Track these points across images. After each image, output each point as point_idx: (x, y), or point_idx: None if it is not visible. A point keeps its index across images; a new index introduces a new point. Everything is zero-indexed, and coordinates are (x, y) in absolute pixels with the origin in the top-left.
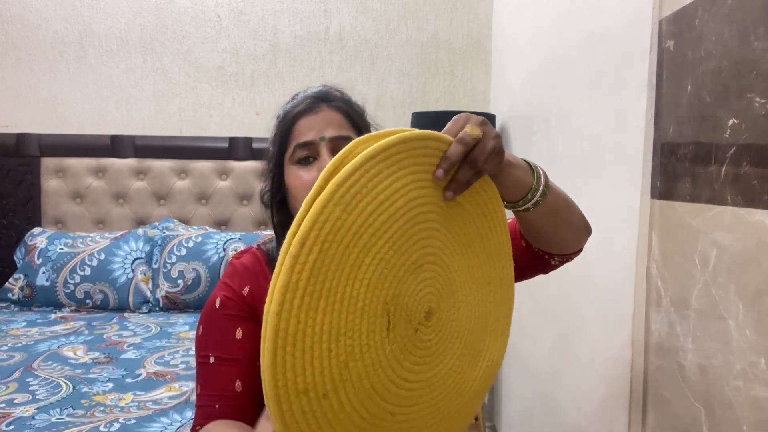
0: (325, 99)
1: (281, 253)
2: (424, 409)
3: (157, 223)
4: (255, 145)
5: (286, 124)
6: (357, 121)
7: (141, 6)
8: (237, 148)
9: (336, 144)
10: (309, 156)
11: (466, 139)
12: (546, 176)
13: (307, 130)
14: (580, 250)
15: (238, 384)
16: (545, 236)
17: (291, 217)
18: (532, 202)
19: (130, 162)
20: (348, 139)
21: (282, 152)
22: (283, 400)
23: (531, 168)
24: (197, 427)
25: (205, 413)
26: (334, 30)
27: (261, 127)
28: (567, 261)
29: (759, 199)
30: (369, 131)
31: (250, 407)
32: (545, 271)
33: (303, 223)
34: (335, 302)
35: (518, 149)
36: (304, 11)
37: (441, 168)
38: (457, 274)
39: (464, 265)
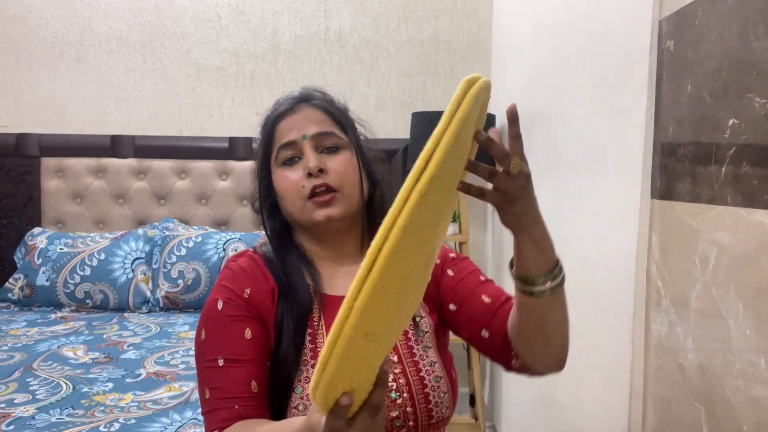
0: (305, 99)
1: (406, 188)
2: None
3: (157, 223)
4: (255, 145)
5: (269, 128)
6: (338, 117)
7: (141, 6)
8: (237, 148)
9: (319, 141)
10: (294, 156)
11: (505, 162)
12: (564, 280)
13: (288, 130)
14: (541, 374)
15: (254, 384)
16: (523, 332)
17: (284, 222)
18: (546, 286)
19: (130, 162)
20: (331, 135)
21: (268, 156)
22: (353, 340)
23: (557, 262)
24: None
25: (223, 416)
26: (334, 30)
27: None
28: (523, 373)
29: (759, 199)
30: (354, 127)
31: (267, 407)
32: (504, 365)
33: (433, 160)
34: (419, 246)
35: None
36: (304, 11)
37: (489, 134)
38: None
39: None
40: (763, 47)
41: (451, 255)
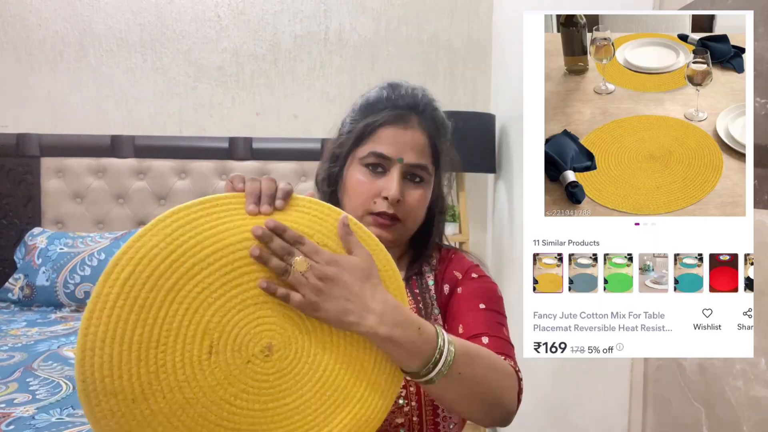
0: (417, 110)
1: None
2: None
3: None
4: (255, 145)
5: (370, 126)
6: (437, 146)
7: (141, 6)
8: (237, 148)
9: (410, 170)
10: (379, 165)
11: (279, 267)
12: (451, 360)
13: (389, 143)
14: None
15: None
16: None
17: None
18: (431, 375)
19: (130, 162)
20: (423, 168)
21: (355, 146)
22: (92, 396)
23: (437, 342)
24: None
25: None
26: (334, 30)
27: (261, 127)
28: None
29: (759, 199)
30: (447, 153)
31: None
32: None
33: (122, 246)
34: (148, 318)
35: (518, 149)
36: (304, 11)
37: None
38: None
39: None
40: (763, 47)
41: (473, 274)
